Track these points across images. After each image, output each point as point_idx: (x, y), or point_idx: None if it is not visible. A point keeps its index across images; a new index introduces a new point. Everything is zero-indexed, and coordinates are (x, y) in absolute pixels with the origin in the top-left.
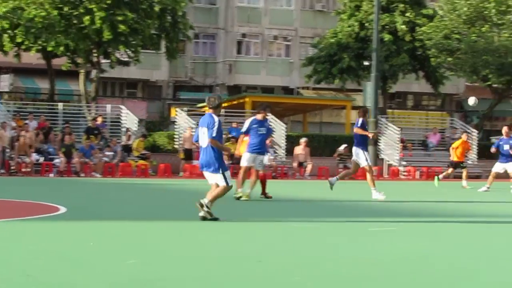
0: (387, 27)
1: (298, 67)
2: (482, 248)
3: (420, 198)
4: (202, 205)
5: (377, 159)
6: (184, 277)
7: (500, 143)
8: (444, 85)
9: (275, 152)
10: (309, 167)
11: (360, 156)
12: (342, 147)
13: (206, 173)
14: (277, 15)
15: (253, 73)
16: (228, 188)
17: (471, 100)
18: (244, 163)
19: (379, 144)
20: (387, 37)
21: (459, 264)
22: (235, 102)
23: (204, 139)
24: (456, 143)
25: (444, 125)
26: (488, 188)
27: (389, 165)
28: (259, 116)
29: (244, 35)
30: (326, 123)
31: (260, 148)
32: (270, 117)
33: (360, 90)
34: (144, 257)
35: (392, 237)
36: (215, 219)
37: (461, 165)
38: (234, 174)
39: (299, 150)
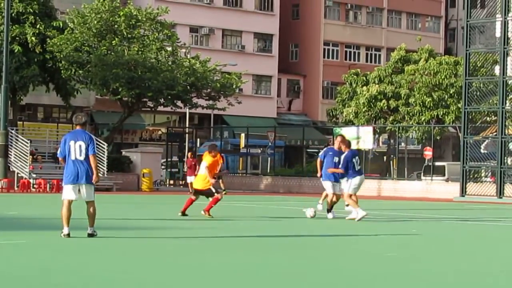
0: (18, 38)
1: None
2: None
3: (50, 210)
4: (92, 235)
5: (7, 172)
6: None
7: (330, 153)
8: (75, 97)
9: None
10: None
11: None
12: None
13: (75, 186)
14: None
15: None
16: (93, 201)
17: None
18: None
19: (9, 156)
20: (17, 48)
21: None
22: None
23: (80, 153)
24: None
25: None
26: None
27: (20, 178)
28: None
29: None
30: None
31: None
32: None
33: None
34: None
35: (20, 250)
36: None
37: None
38: None
39: None
